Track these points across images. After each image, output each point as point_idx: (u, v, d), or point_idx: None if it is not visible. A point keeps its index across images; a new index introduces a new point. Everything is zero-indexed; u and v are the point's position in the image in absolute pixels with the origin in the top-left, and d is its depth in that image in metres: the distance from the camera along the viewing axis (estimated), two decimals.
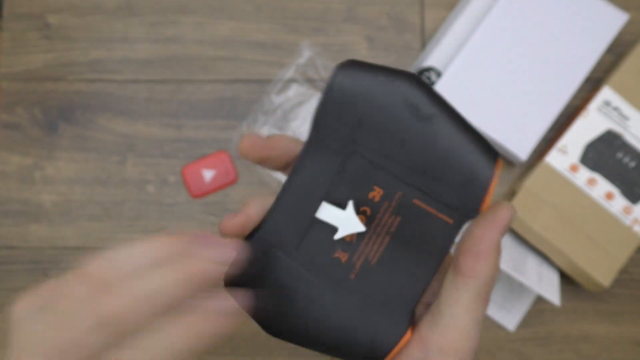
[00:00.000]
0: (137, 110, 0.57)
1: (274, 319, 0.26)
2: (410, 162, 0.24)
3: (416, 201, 0.24)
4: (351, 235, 0.25)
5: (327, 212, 0.25)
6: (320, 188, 0.25)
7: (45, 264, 0.55)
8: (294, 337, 0.26)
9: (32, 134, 0.56)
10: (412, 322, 0.25)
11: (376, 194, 0.25)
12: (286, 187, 0.26)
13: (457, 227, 0.24)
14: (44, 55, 0.57)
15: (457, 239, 0.25)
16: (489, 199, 0.24)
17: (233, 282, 0.26)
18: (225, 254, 0.24)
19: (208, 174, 0.55)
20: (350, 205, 0.25)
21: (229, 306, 0.24)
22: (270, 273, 0.26)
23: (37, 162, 0.56)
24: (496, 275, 0.24)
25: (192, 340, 0.23)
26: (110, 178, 0.56)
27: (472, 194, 0.24)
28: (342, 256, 0.25)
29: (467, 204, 0.24)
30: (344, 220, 0.25)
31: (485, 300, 0.24)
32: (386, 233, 0.25)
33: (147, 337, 0.22)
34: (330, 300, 0.25)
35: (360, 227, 0.25)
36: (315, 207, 0.25)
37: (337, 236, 0.25)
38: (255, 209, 0.26)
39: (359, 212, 0.25)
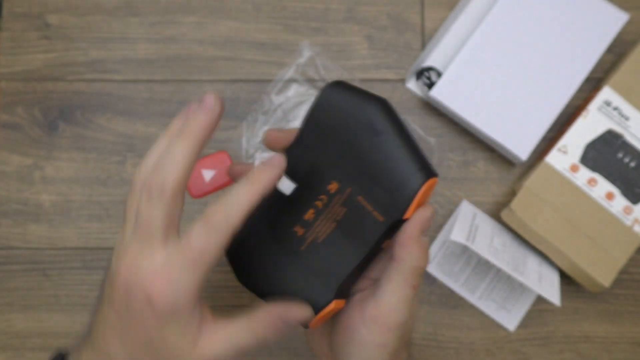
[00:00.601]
0: (137, 110, 0.57)
1: (243, 267, 0.33)
2: (361, 166, 0.31)
3: (360, 198, 0.31)
4: (310, 215, 0.32)
5: (286, 187, 0.32)
6: (295, 174, 0.33)
7: (44, 264, 0.55)
8: (253, 285, 0.33)
9: (32, 134, 0.56)
10: (341, 295, 0.32)
11: (333, 187, 0.32)
12: None
13: (385, 224, 0.30)
14: (44, 55, 0.57)
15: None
16: (413, 207, 0.30)
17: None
18: (211, 103, 0.31)
19: (208, 174, 0.55)
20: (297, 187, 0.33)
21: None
22: (250, 230, 0.34)
23: (37, 162, 0.56)
24: (420, 265, 0.31)
25: (253, 186, 0.30)
26: (110, 178, 0.56)
27: (400, 200, 0.30)
28: (299, 230, 0.33)
29: (395, 207, 0.30)
30: (305, 199, 0.33)
31: (411, 284, 0.31)
32: (334, 220, 0.32)
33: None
34: (282, 262, 0.32)
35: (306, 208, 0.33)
36: (290, 186, 0.33)
37: (298, 209, 0.33)
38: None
39: (318, 198, 0.32)
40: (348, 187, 0.31)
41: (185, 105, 0.57)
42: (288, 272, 0.32)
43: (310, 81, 0.55)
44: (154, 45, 0.57)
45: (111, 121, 0.56)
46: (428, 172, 0.30)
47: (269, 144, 0.35)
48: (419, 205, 0.30)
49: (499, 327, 0.53)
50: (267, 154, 0.33)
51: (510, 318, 0.53)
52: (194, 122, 0.30)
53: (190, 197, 0.55)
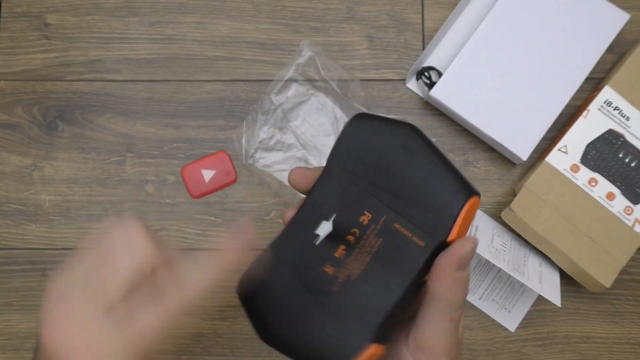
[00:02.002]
0: (137, 110, 0.56)
1: (263, 318, 0.30)
2: (396, 190, 0.29)
3: (397, 225, 0.28)
4: (341, 252, 0.29)
5: (324, 229, 0.30)
6: (324, 211, 0.30)
7: (44, 265, 0.54)
8: (275, 338, 0.29)
9: (31, 134, 0.56)
10: (382, 338, 0.28)
11: (366, 218, 0.29)
12: (300, 209, 0.31)
13: (428, 250, 0.28)
14: (43, 55, 0.57)
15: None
16: (457, 229, 0.27)
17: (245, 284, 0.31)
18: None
19: (208, 174, 0.55)
20: (329, 225, 0.30)
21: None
22: (270, 279, 0.30)
23: (36, 162, 0.56)
24: (457, 299, 0.28)
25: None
26: (109, 178, 0.56)
27: (442, 221, 0.27)
28: (329, 270, 0.29)
29: (436, 230, 0.27)
30: (334, 237, 0.30)
31: (449, 318, 0.28)
32: (369, 253, 0.29)
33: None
34: (309, 307, 0.29)
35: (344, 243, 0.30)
36: (317, 225, 0.30)
37: (327, 248, 0.30)
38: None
39: (350, 233, 0.29)
40: (382, 216, 0.29)
41: (183, 104, 0.57)
42: (317, 317, 0.28)
43: (310, 81, 0.55)
44: (154, 45, 0.57)
45: (111, 121, 0.56)
46: (470, 190, 0.28)
47: (294, 184, 0.32)
48: (463, 227, 0.28)
49: (500, 327, 0.53)
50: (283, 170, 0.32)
51: (510, 318, 0.53)
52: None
53: (191, 197, 0.55)
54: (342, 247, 0.29)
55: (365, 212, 0.29)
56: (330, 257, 0.29)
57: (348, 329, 0.27)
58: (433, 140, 0.30)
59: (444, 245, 0.28)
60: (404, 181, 0.28)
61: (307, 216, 0.31)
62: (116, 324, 0.25)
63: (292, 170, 0.32)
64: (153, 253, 0.27)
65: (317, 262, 0.30)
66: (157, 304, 0.26)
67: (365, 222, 0.29)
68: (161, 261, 0.28)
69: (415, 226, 0.28)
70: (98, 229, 0.31)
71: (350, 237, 0.29)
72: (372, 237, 0.29)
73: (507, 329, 0.53)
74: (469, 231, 0.49)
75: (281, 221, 0.53)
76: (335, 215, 0.30)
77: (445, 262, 0.27)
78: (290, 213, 0.32)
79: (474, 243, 0.27)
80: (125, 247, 0.27)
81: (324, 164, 0.55)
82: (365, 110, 0.54)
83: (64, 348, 0.25)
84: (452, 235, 0.27)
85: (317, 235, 0.30)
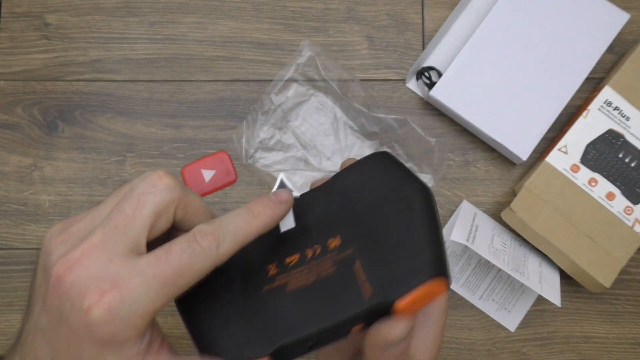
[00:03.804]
0: (137, 110, 0.56)
1: (189, 294, 0.28)
2: (377, 234, 0.27)
3: (357, 264, 0.26)
4: (292, 259, 0.28)
5: (286, 224, 0.29)
6: (303, 214, 0.29)
7: None
8: (190, 311, 0.28)
9: (31, 134, 0.56)
10: (279, 355, 0.25)
11: (334, 242, 0.27)
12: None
13: (369, 303, 0.25)
14: (43, 55, 0.57)
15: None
16: (408, 300, 0.24)
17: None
18: (284, 197, 0.28)
19: (208, 174, 0.55)
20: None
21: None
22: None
23: (36, 162, 0.56)
24: None
25: (254, 221, 0.26)
26: (109, 178, 0.56)
27: (398, 287, 0.25)
28: (272, 270, 0.28)
29: (389, 291, 0.25)
30: (295, 243, 0.28)
31: None
32: (316, 275, 0.27)
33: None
34: (235, 299, 0.27)
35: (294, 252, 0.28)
36: (289, 224, 0.29)
37: (282, 249, 0.29)
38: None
39: (311, 246, 0.28)
40: (350, 249, 0.27)
41: (183, 104, 0.57)
42: (233, 309, 0.27)
43: (310, 81, 0.55)
44: (154, 45, 0.57)
45: (110, 121, 0.56)
46: (443, 272, 0.25)
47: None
48: (416, 303, 0.24)
49: (500, 327, 0.53)
50: (281, 184, 0.31)
51: (510, 318, 0.53)
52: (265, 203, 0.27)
53: None
54: (297, 255, 0.28)
55: (337, 237, 0.28)
56: (280, 258, 0.28)
57: (252, 333, 0.26)
58: (440, 212, 0.28)
59: (387, 310, 0.25)
60: (388, 231, 0.26)
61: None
62: (145, 261, 0.23)
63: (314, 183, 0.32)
64: (180, 192, 0.26)
65: (265, 257, 0.29)
66: (191, 244, 0.24)
67: (332, 246, 0.27)
68: (188, 203, 0.26)
69: (374, 275, 0.25)
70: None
71: (309, 251, 0.28)
72: (328, 263, 0.27)
73: (507, 329, 0.53)
74: (468, 232, 0.49)
75: None
76: (307, 220, 0.29)
77: (373, 337, 0.25)
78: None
79: (406, 329, 0.24)
80: (150, 185, 0.25)
81: (323, 164, 0.55)
82: (365, 110, 0.54)
83: (85, 285, 0.22)
84: (399, 305, 0.25)
85: (278, 229, 0.29)
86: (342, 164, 0.31)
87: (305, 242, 0.28)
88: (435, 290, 0.24)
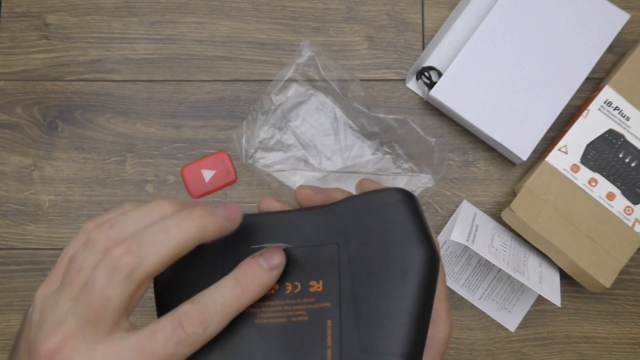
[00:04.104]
0: (137, 110, 0.56)
1: (165, 274, 0.27)
2: (359, 296, 0.24)
3: (329, 323, 0.24)
4: (272, 290, 0.26)
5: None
6: (293, 236, 0.27)
7: (44, 265, 0.54)
8: (163, 296, 0.27)
9: (31, 134, 0.56)
10: None
11: (317, 286, 0.25)
12: (280, 213, 0.28)
13: None
14: (43, 55, 0.57)
15: None
16: None
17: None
18: (235, 214, 0.26)
19: (208, 174, 0.55)
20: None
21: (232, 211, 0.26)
22: (196, 263, 0.27)
23: (36, 162, 0.56)
24: None
25: (244, 296, 0.24)
26: (109, 178, 0.56)
27: None
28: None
29: None
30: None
31: None
32: (286, 316, 0.25)
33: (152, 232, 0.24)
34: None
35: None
36: (272, 240, 0.27)
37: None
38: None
39: (291, 282, 0.25)
40: (328, 302, 0.25)
41: (183, 104, 0.57)
42: None
43: (310, 81, 0.55)
44: (154, 45, 0.57)
45: (110, 121, 0.56)
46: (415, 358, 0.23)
47: (300, 202, 0.29)
48: None
49: (500, 327, 0.53)
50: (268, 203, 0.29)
51: (510, 318, 0.53)
52: (211, 216, 0.25)
53: (191, 197, 0.55)
54: (276, 286, 0.26)
55: (320, 282, 0.25)
56: None
57: (211, 348, 0.25)
58: (435, 284, 0.25)
59: None
60: (373, 297, 0.24)
61: (278, 222, 0.27)
62: (129, 350, 0.23)
63: (300, 187, 0.29)
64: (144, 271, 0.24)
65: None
66: (177, 331, 0.23)
67: (311, 290, 0.25)
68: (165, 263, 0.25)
69: (340, 345, 0.23)
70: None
71: (289, 285, 0.26)
72: (303, 309, 0.25)
73: (507, 329, 0.53)
74: (468, 232, 0.49)
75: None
76: (299, 243, 0.27)
77: None
78: (268, 202, 0.29)
79: None
80: (110, 274, 0.24)
81: (323, 164, 0.55)
82: (365, 110, 0.54)
83: None
84: None
85: (262, 247, 0.27)
86: (360, 184, 0.29)
87: (288, 273, 0.26)
88: None
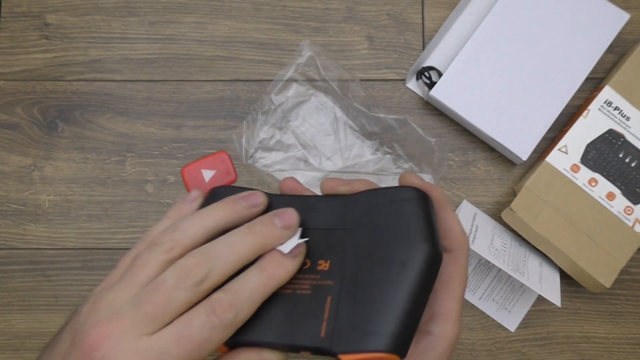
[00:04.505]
0: (137, 110, 0.56)
1: None
2: (361, 279, 0.26)
3: (329, 298, 0.26)
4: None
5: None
6: (311, 221, 0.29)
7: (44, 265, 0.54)
8: None
9: (31, 134, 0.56)
10: (230, 345, 0.26)
11: (324, 265, 0.27)
12: (297, 196, 0.30)
13: (318, 344, 0.25)
14: (43, 55, 0.57)
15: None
16: (355, 359, 0.24)
17: None
18: (291, 222, 0.28)
19: (208, 174, 0.55)
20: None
21: (296, 251, 0.28)
22: None
23: (36, 162, 0.56)
24: None
25: (269, 282, 0.26)
26: (109, 178, 0.56)
27: (345, 344, 0.25)
28: None
29: (337, 344, 0.25)
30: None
31: None
32: (293, 289, 0.27)
33: (234, 282, 0.26)
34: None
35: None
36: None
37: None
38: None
39: (305, 260, 0.28)
40: (330, 281, 0.27)
41: (183, 104, 0.56)
42: None
43: (310, 81, 0.55)
44: (154, 45, 0.57)
45: (110, 121, 0.56)
46: (398, 350, 0.24)
47: (325, 194, 0.32)
48: None
49: (500, 327, 0.53)
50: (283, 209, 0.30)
51: (510, 318, 0.53)
52: (270, 229, 0.27)
53: None
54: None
55: (328, 263, 0.28)
56: None
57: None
58: (434, 283, 0.27)
59: (334, 356, 0.25)
60: (373, 282, 0.26)
61: (299, 204, 0.30)
62: (169, 339, 0.24)
63: (326, 180, 0.31)
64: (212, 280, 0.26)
65: None
66: (210, 318, 0.25)
67: (319, 268, 0.28)
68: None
69: (336, 319, 0.26)
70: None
71: (309, 262, 0.28)
72: (308, 283, 0.27)
73: (507, 329, 0.53)
74: (468, 232, 0.49)
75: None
76: (316, 225, 0.29)
77: None
78: (289, 182, 0.32)
79: None
80: (180, 278, 0.26)
81: (323, 164, 0.55)
82: (365, 110, 0.54)
83: (114, 354, 0.24)
84: (346, 358, 0.25)
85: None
86: (402, 176, 0.30)
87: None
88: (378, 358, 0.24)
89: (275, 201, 0.30)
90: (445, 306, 0.29)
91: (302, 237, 0.28)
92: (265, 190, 0.34)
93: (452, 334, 0.29)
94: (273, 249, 0.28)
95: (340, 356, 0.25)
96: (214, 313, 0.25)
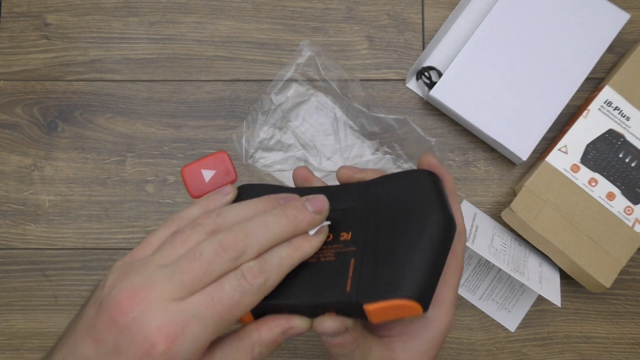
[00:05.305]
0: (137, 110, 0.56)
1: None
2: (382, 243, 0.28)
3: (352, 260, 0.28)
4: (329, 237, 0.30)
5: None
6: (338, 203, 0.31)
7: (44, 265, 0.54)
8: None
9: (31, 134, 0.56)
10: (259, 308, 0.28)
11: (346, 236, 0.30)
12: (326, 190, 0.33)
13: (344, 298, 0.27)
14: (43, 54, 0.57)
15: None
16: (373, 308, 0.26)
17: None
18: (323, 206, 0.29)
19: (208, 174, 0.55)
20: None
21: (322, 226, 0.29)
22: None
23: (36, 162, 0.56)
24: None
25: (296, 253, 0.28)
26: (109, 178, 0.56)
27: (369, 295, 0.26)
28: None
29: (361, 295, 0.27)
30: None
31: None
32: (318, 257, 0.29)
33: (266, 254, 0.27)
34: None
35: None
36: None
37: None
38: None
39: (329, 231, 0.30)
40: (352, 247, 0.29)
41: (183, 104, 0.56)
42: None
43: (310, 81, 0.55)
44: (154, 45, 0.57)
45: (110, 121, 0.56)
46: (419, 297, 0.26)
47: (341, 181, 0.34)
48: (381, 313, 0.26)
49: (500, 327, 0.53)
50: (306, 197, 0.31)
51: (510, 318, 0.53)
52: (302, 213, 0.29)
53: (191, 197, 0.55)
54: None
55: (350, 233, 0.30)
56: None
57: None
58: (449, 249, 0.29)
59: (360, 310, 0.27)
60: (394, 244, 0.28)
61: (321, 193, 0.32)
62: (201, 301, 0.25)
63: (342, 168, 0.33)
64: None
65: None
66: (241, 282, 0.26)
67: (341, 238, 0.30)
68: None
69: (360, 277, 0.27)
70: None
71: (331, 235, 0.31)
72: (331, 252, 0.29)
73: (507, 329, 0.53)
74: (468, 232, 0.49)
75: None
76: (337, 208, 0.31)
77: (314, 323, 0.28)
78: (302, 172, 0.34)
79: (332, 327, 0.27)
80: (217, 251, 0.27)
81: (323, 164, 0.55)
82: (365, 110, 0.54)
83: (147, 323, 0.24)
84: (368, 308, 0.26)
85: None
86: (420, 158, 0.33)
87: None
88: (404, 309, 0.26)
89: (302, 194, 0.32)
90: (440, 292, 0.31)
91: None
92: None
93: (445, 319, 0.30)
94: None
95: (366, 306, 0.26)
96: (244, 278, 0.26)
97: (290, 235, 0.28)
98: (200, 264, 0.26)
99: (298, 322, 0.28)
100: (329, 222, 0.30)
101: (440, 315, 0.30)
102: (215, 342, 0.27)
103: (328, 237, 0.30)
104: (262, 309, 0.28)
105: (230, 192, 0.32)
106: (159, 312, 0.24)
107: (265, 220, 0.28)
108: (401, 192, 0.30)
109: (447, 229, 0.28)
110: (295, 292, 0.28)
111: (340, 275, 0.28)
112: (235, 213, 0.29)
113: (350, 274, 0.27)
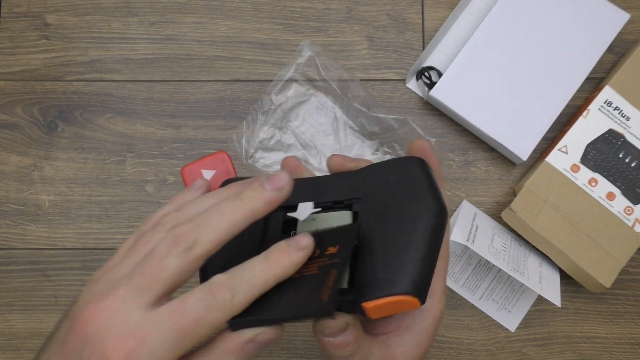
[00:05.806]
0: (137, 110, 0.56)
1: (208, 270, 0.29)
2: (376, 235, 0.28)
3: (333, 271, 0.26)
4: None
5: (305, 216, 0.30)
6: (327, 194, 0.31)
7: (44, 265, 0.54)
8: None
9: (31, 134, 0.56)
10: (237, 325, 0.26)
11: (332, 250, 0.28)
12: (307, 180, 0.32)
13: (323, 311, 0.25)
14: (43, 55, 0.57)
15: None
16: (372, 306, 0.26)
17: None
18: (282, 182, 0.28)
19: (208, 174, 0.55)
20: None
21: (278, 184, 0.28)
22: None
23: (36, 162, 0.56)
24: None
25: (271, 269, 0.26)
26: (109, 178, 0.56)
27: (365, 293, 0.26)
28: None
29: (358, 294, 0.26)
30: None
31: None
32: (301, 272, 0.28)
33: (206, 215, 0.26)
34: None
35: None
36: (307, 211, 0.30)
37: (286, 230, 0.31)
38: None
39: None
40: (337, 259, 0.27)
41: (183, 104, 0.56)
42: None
43: (310, 81, 0.55)
44: (154, 45, 0.57)
45: (110, 121, 0.56)
46: (415, 291, 0.25)
47: (332, 169, 0.33)
48: (380, 310, 0.26)
49: (500, 327, 0.53)
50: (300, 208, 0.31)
51: (510, 318, 0.53)
52: (259, 193, 0.27)
53: None
54: None
55: (336, 247, 0.28)
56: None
57: None
58: (443, 235, 0.28)
59: (359, 308, 0.26)
60: (386, 235, 0.27)
61: (311, 184, 0.31)
62: (163, 313, 0.24)
63: (332, 156, 0.32)
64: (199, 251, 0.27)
65: (278, 237, 0.29)
66: (206, 296, 0.25)
67: (327, 253, 0.28)
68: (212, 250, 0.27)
69: (358, 272, 0.27)
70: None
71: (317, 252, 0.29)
72: (316, 266, 0.28)
73: (507, 329, 0.53)
74: (468, 232, 0.49)
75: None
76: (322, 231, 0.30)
77: (315, 324, 0.27)
78: (291, 160, 0.33)
79: (335, 327, 0.26)
80: (170, 246, 0.26)
81: (323, 164, 0.55)
82: (365, 110, 0.54)
83: (106, 334, 0.24)
84: (367, 306, 0.26)
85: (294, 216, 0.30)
86: (411, 145, 0.32)
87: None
88: (402, 304, 0.26)
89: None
90: (432, 282, 0.30)
91: (315, 207, 0.30)
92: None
93: (438, 308, 0.30)
94: (281, 238, 0.28)
95: (364, 304, 0.26)
96: (210, 292, 0.25)
97: (248, 218, 0.26)
98: (153, 262, 0.25)
99: (266, 328, 0.26)
100: (312, 240, 0.28)
101: (433, 304, 0.30)
102: (186, 357, 0.26)
103: (315, 253, 0.28)
104: (241, 327, 0.26)
105: (202, 186, 0.31)
106: (118, 324, 0.24)
107: (218, 207, 0.26)
108: (392, 181, 0.30)
109: (440, 218, 0.28)
110: (273, 306, 0.26)
111: (319, 286, 0.26)
112: (197, 206, 0.28)
113: (330, 284, 0.26)
